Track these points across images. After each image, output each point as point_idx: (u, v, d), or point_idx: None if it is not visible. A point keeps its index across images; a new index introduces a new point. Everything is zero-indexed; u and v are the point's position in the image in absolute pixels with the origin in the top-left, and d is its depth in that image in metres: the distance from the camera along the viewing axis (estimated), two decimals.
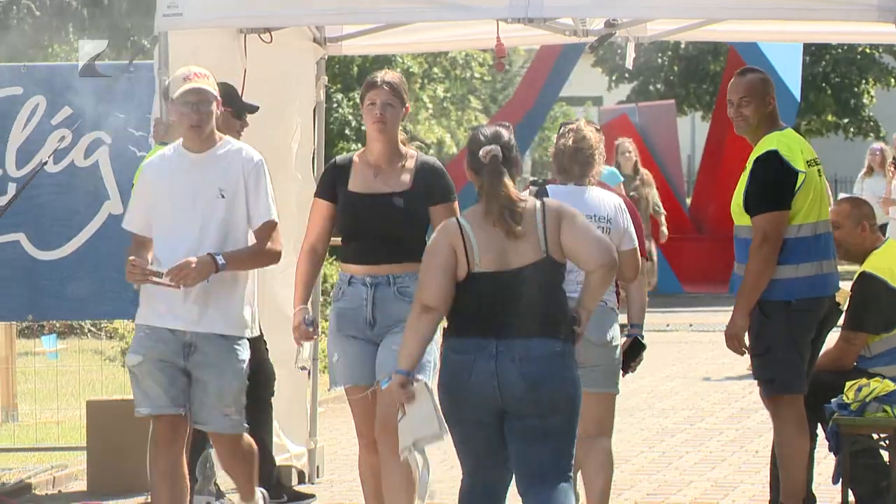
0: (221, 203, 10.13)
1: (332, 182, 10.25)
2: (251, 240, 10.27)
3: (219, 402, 10.17)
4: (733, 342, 11.28)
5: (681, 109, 41.19)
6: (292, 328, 10.26)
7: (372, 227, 10.11)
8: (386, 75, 10.22)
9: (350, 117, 37.93)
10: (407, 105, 10.26)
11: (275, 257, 10.43)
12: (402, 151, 10.19)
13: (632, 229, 11.14)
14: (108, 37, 28.26)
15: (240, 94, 12.19)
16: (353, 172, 10.20)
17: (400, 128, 10.23)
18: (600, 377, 10.98)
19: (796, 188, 11.06)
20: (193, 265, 9.92)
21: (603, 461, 11.09)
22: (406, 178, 10.16)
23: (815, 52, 38.81)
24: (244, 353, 10.30)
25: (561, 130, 11.32)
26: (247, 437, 10.50)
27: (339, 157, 10.36)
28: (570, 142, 11.13)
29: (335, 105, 35.03)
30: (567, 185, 11.19)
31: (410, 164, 10.18)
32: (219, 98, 10.24)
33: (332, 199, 10.26)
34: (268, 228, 10.27)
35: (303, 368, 10.10)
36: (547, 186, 11.01)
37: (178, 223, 10.17)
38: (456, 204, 10.17)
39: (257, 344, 12.21)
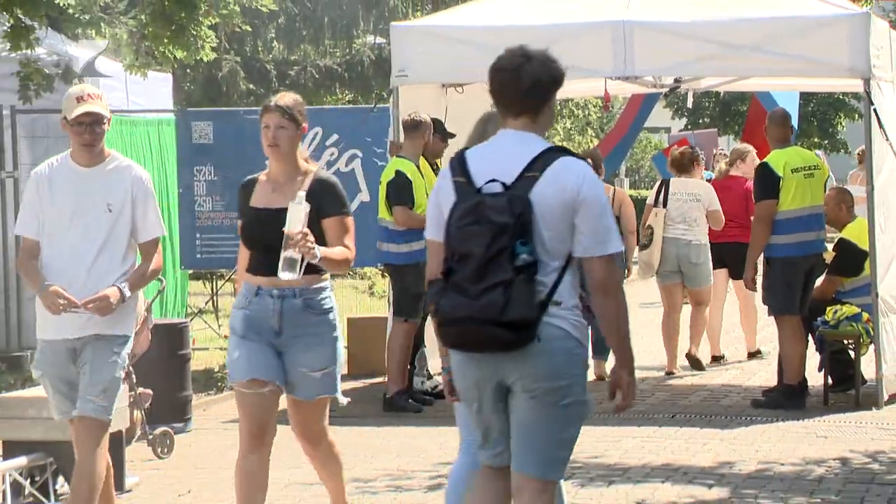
0: (107, 217, 7.17)
1: (242, 201, 7.18)
2: (129, 252, 7.24)
3: (90, 390, 7.05)
4: (746, 283, 11.93)
5: (720, 135, 40.97)
6: None
7: (271, 239, 6.84)
8: (281, 99, 7.16)
9: None
10: (304, 125, 7.16)
11: (157, 274, 7.43)
12: (303, 168, 7.10)
13: (716, 200, 13.11)
14: (361, 93, 28.68)
15: (441, 123, 12.24)
16: (256, 190, 7.12)
17: (299, 146, 7.16)
18: (697, 279, 13.17)
19: (779, 187, 11.31)
20: (105, 302, 6.99)
21: (701, 318, 13.37)
22: (301, 193, 6.93)
23: (806, 97, 38.36)
24: (118, 347, 7.17)
25: (679, 150, 13.83)
26: (106, 453, 7.24)
27: (245, 179, 7.30)
28: (686, 154, 13.45)
29: None
30: (681, 177, 13.26)
31: (308, 179, 7.04)
32: (109, 117, 7.29)
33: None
34: (156, 243, 7.30)
35: None
36: (670, 179, 13.43)
37: (63, 233, 7.17)
38: (349, 219, 7.15)
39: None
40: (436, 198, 5.58)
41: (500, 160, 5.41)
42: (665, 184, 13.38)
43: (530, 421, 5.39)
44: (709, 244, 13.22)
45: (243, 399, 7.00)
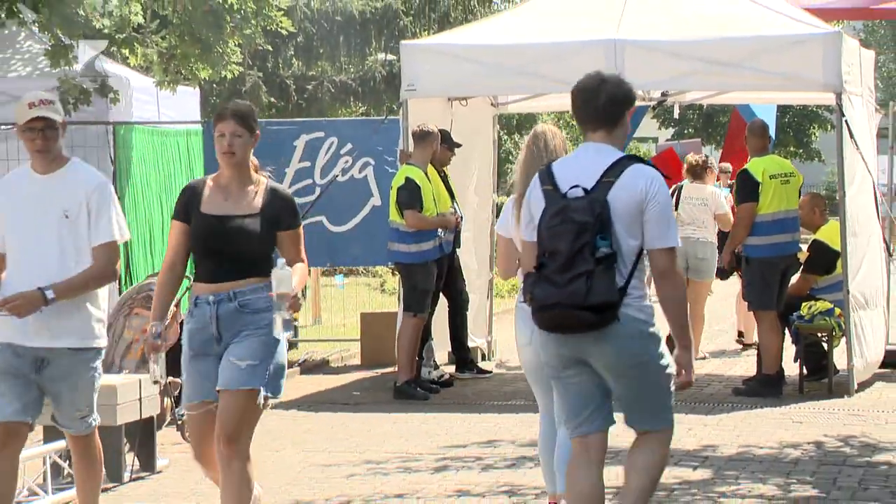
0: (66, 223, 6.50)
1: (186, 204, 6.48)
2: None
3: (72, 409, 6.60)
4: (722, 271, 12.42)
5: (704, 144, 40.94)
6: (143, 341, 6.65)
7: (221, 246, 6.38)
8: (236, 107, 6.53)
9: (511, 149, 37.78)
10: (257, 132, 6.54)
11: (112, 277, 6.61)
12: (254, 177, 6.52)
13: (723, 204, 13.40)
14: (373, 105, 28.75)
15: (448, 133, 12.22)
16: (206, 195, 6.47)
17: (252, 154, 6.58)
18: (700, 272, 13.15)
19: (758, 191, 11.31)
20: (20, 301, 6.39)
21: (698, 317, 13.11)
22: (257, 201, 6.43)
23: (783, 109, 38.38)
24: (95, 362, 6.63)
25: (693, 159, 13.75)
26: (98, 442, 6.81)
27: (192, 181, 6.69)
28: (700, 161, 13.51)
29: (503, 142, 34.96)
30: (694, 182, 13.43)
31: (261, 188, 6.48)
32: (63, 121, 6.63)
33: (187, 220, 6.48)
34: (107, 248, 6.52)
35: (155, 383, 6.93)
36: (684, 185, 13.48)
37: (22, 242, 6.55)
38: (301, 229, 6.58)
39: (456, 272, 12.20)
40: (527, 205, 6.02)
41: (581, 169, 5.83)
42: (679, 189, 13.54)
43: (629, 395, 5.87)
44: (716, 243, 13.32)
45: (189, 418, 6.62)
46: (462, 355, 12.66)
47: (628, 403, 5.91)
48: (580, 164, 5.86)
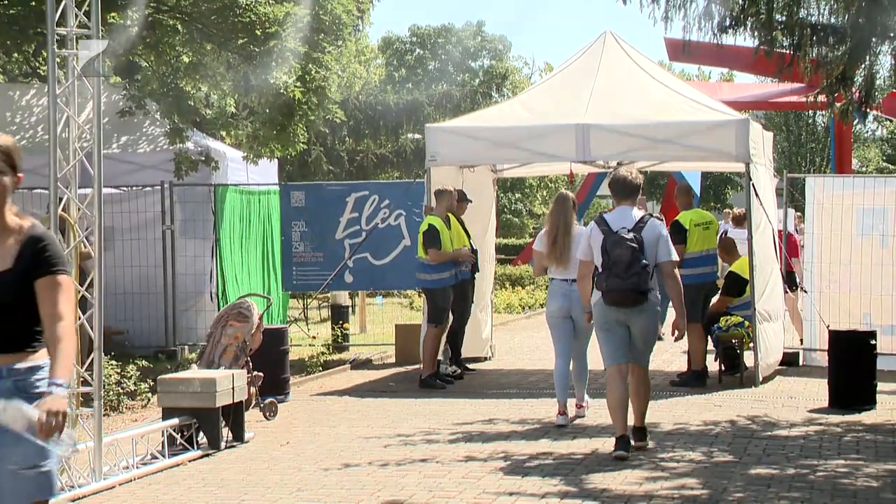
0: None
1: None
2: None
3: None
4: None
5: (647, 201, 40.86)
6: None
7: None
8: None
9: (506, 203, 37.76)
10: (19, 174, 4.03)
11: None
12: (13, 225, 4.03)
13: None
14: (405, 172, 28.76)
15: (463, 191, 12.22)
16: None
17: (8, 201, 4.05)
18: None
19: (686, 237, 11.23)
20: None
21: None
22: (11, 255, 3.99)
23: (706, 175, 38.34)
24: None
25: (738, 211, 14.03)
26: None
27: None
28: (741, 213, 13.67)
29: (500, 198, 34.91)
30: (736, 228, 14.17)
31: (18, 239, 4.02)
32: None
33: None
34: None
35: None
36: (727, 228, 14.13)
37: None
38: (62, 277, 3.97)
39: (466, 289, 12.11)
40: (588, 239, 7.82)
41: (622, 219, 7.74)
42: (725, 232, 13.65)
43: (642, 340, 7.75)
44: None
45: None
46: (455, 357, 12.51)
47: (640, 348, 7.72)
48: (622, 217, 7.71)
